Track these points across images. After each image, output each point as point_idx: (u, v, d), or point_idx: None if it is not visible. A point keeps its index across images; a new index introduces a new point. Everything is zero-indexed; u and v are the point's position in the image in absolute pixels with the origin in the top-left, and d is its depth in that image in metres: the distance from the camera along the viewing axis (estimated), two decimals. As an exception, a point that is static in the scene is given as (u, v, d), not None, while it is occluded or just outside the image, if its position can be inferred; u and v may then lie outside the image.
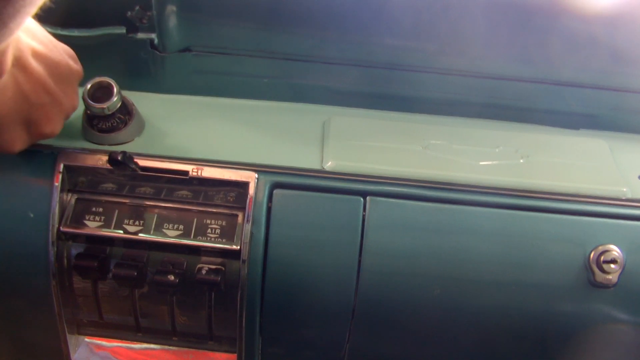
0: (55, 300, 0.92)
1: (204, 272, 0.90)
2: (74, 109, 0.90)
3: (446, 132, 1.01)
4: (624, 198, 0.93)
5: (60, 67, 0.84)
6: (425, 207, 0.90)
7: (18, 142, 0.85)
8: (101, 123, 0.92)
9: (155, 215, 0.92)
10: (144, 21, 1.00)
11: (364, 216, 0.89)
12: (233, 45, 1.03)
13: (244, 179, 0.90)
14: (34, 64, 0.79)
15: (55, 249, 0.90)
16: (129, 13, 0.99)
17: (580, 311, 0.92)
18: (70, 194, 0.92)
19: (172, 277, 0.90)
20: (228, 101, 1.06)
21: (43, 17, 0.76)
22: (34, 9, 0.62)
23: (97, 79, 0.90)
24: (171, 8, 0.99)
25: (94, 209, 0.92)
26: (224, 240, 0.91)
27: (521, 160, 0.97)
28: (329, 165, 0.92)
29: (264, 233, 0.89)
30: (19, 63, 0.77)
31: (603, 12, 1.01)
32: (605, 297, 0.91)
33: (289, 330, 0.95)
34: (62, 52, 0.85)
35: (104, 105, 0.89)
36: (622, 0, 1.01)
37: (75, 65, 0.87)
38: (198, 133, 0.97)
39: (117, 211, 0.92)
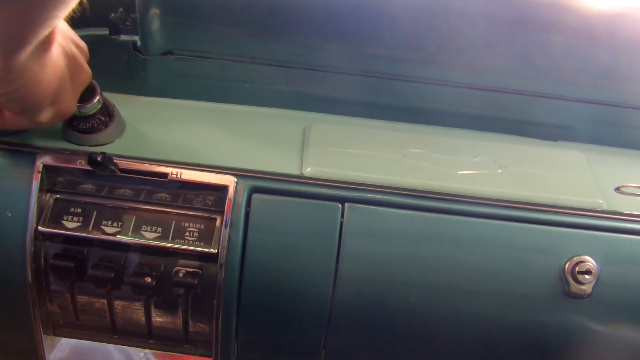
0: (31, 300, 0.92)
1: (181, 275, 0.90)
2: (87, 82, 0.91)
3: (426, 141, 1.02)
4: (599, 210, 0.93)
5: (78, 40, 0.86)
6: (403, 215, 0.90)
7: (52, 120, 0.86)
8: (82, 124, 0.92)
9: (134, 217, 0.92)
10: (127, 23, 1.00)
11: (342, 222, 0.90)
12: (216, 49, 1.04)
13: (223, 183, 0.91)
14: (64, 40, 0.81)
15: (33, 248, 0.90)
16: (113, 15, 0.99)
17: (554, 321, 0.92)
18: (49, 194, 0.92)
19: (149, 280, 0.90)
20: (209, 105, 1.07)
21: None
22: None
23: None
24: (154, 11, 0.99)
25: (72, 210, 0.92)
26: (201, 243, 0.90)
27: (499, 170, 0.98)
28: (308, 171, 0.92)
29: (242, 237, 0.89)
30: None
31: (586, 28, 1.02)
32: (580, 308, 0.91)
33: (264, 334, 0.95)
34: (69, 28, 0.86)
35: (85, 105, 0.90)
36: (606, 18, 1.02)
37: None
38: (179, 136, 0.98)
39: (95, 212, 0.92)
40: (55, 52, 0.77)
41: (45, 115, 0.83)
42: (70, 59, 0.82)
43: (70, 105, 0.86)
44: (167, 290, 0.92)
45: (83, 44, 0.86)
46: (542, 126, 1.10)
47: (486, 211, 0.91)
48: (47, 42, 0.72)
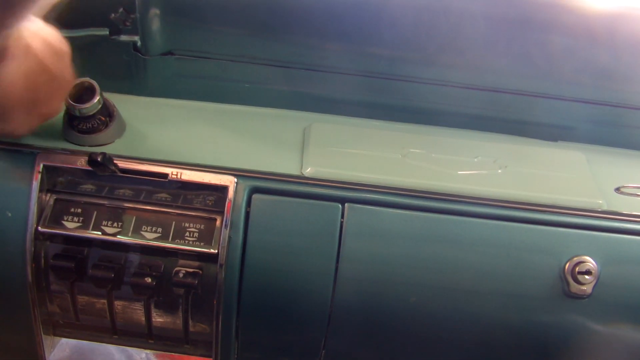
0: (31, 300, 0.92)
1: (181, 275, 0.90)
2: (70, 84, 0.89)
3: (426, 141, 1.02)
4: (599, 210, 0.93)
5: (55, 44, 0.84)
6: (403, 215, 0.90)
7: (25, 126, 0.85)
8: (82, 124, 0.92)
9: (134, 217, 0.92)
10: (128, 24, 1.00)
11: (342, 223, 0.89)
12: (215, 49, 1.04)
13: (223, 183, 0.91)
14: (36, 45, 0.80)
15: (33, 249, 0.89)
16: (113, 15, 1.00)
17: (554, 321, 0.92)
18: (49, 194, 0.92)
19: (149, 280, 0.90)
20: (209, 105, 1.07)
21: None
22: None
23: (79, 80, 0.90)
24: (155, 11, 0.99)
25: (72, 210, 0.92)
26: (201, 243, 0.90)
27: (499, 171, 0.97)
28: (308, 171, 0.92)
29: (242, 237, 0.89)
30: (23, 46, 0.78)
31: (586, 28, 1.02)
32: (580, 308, 0.91)
33: (265, 334, 0.95)
34: (53, 31, 0.85)
35: (85, 106, 0.89)
36: (606, 18, 1.02)
37: (64, 42, 0.87)
38: (179, 136, 0.98)
39: (95, 212, 0.92)
40: (13, 65, 0.76)
41: (19, 123, 0.83)
42: (40, 64, 0.81)
43: (50, 109, 0.86)
44: (167, 290, 0.92)
45: (60, 44, 0.85)
46: (542, 126, 1.10)
47: (486, 211, 0.91)
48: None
